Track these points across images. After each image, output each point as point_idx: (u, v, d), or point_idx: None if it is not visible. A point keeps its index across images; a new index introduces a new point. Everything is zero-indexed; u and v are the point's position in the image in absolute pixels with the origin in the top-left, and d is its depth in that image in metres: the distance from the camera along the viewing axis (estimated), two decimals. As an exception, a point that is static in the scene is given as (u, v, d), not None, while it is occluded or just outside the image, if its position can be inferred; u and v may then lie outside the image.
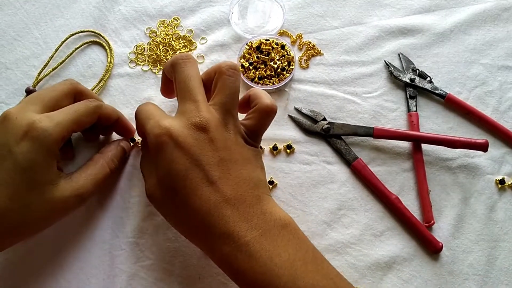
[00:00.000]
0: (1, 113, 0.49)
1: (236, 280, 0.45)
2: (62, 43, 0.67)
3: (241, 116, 0.53)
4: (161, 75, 0.56)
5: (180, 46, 0.68)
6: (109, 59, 0.66)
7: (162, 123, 0.47)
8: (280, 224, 0.46)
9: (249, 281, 0.43)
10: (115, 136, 0.62)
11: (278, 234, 0.45)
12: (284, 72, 0.65)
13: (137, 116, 0.53)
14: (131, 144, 0.61)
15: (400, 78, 0.66)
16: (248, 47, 0.66)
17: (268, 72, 0.65)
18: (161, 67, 0.67)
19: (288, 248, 0.44)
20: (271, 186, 0.60)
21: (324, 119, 0.64)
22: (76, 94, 0.54)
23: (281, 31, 0.69)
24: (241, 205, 0.45)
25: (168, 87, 0.57)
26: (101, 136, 0.62)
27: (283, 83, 0.64)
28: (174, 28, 0.69)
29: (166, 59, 0.67)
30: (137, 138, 0.61)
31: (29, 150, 0.46)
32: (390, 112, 0.65)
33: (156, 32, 0.69)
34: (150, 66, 0.67)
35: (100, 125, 0.57)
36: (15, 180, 0.46)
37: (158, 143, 0.46)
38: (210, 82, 0.51)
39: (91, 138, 0.61)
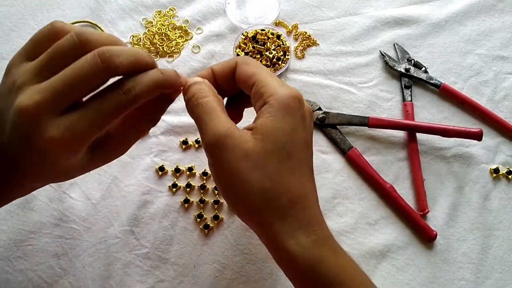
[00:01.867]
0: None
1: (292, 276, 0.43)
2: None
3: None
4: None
5: (176, 36, 0.68)
6: (105, 49, 0.66)
7: (293, 89, 0.43)
8: (326, 235, 0.43)
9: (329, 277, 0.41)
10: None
11: (326, 243, 0.42)
12: (280, 62, 0.65)
13: (248, 67, 0.44)
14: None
15: (395, 68, 0.66)
16: (243, 37, 0.67)
17: (264, 62, 0.65)
18: (158, 56, 0.67)
19: (334, 255, 0.42)
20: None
21: (320, 108, 0.64)
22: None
23: (277, 21, 0.70)
24: (316, 202, 0.44)
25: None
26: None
27: (278, 73, 0.64)
28: (170, 18, 0.70)
29: (163, 49, 0.67)
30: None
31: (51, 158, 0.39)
32: (385, 101, 0.65)
33: (152, 23, 0.69)
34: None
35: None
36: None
37: (292, 106, 0.42)
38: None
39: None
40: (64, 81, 0.37)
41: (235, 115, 0.50)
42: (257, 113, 0.43)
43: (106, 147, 0.43)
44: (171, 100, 0.45)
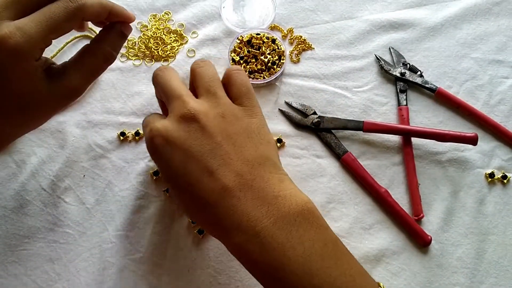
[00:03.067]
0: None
1: (250, 271, 0.43)
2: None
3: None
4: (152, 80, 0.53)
5: (171, 40, 0.68)
6: (100, 53, 0.66)
7: (154, 126, 0.46)
8: (296, 210, 0.42)
9: (262, 274, 0.42)
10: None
11: (294, 223, 0.41)
12: (275, 66, 0.65)
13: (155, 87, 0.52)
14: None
15: (390, 72, 0.66)
16: (239, 41, 0.67)
17: (259, 66, 0.65)
18: (153, 61, 0.67)
19: (304, 239, 0.41)
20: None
21: (315, 113, 0.64)
22: None
23: (272, 25, 0.70)
24: (248, 192, 0.42)
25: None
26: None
27: (273, 77, 0.64)
28: (165, 22, 0.69)
29: (158, 53, 0.67)
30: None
31: (3, 64, 0.42)
32: (380, 106, 0.65)
33: (147, 26, 0.69)
34: (142, 60, 0.67)
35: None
36: None
37: (153, 146, 0.45)
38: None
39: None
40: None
41: None
42: None
43: (64, 80, 0.46)
44: (124, 36, 0.51)
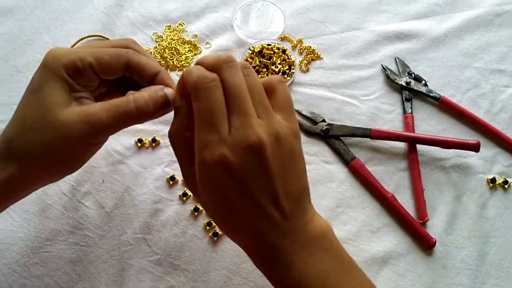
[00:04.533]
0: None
1: (272, 283, 0.45)
2: (72, 47, 0.70)
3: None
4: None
5: (185, 51, 0.70)
6: (117, 62, 0.69)
7: (220, 151, 0.40)
8: (319, 234, 0.44)
9: (284, 286, 0.43)
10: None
11: (317, 244, 0.43)
12: (285, 76, 0.67)
13: (195, 105, 0.42)
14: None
15: (396, 81, 0.68)
16: (250, 52, 0.69)
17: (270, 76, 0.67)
18: (169, 70, 0.70)
19: (325, 258, 0.43)
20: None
21: (324, 120, 0.66)
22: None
23: (282, 36, 0.72)
24: (288, 223, 0.42)
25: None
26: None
27: (284, 86, 0.67)
28: (179, 33, 0.72)
29: (173, 62, 0.70)
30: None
31: (38, 73, 0.45)
32: (386, 114, 0.68)
33: (162, 37, 0.72)
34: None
35: (133, 83, 0.49)
36: (26, 101, 0.46)
37: (210, 172, 0.41)
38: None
39: None
40: None
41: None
42: None
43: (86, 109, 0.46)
44: (167, 103, 0.46)
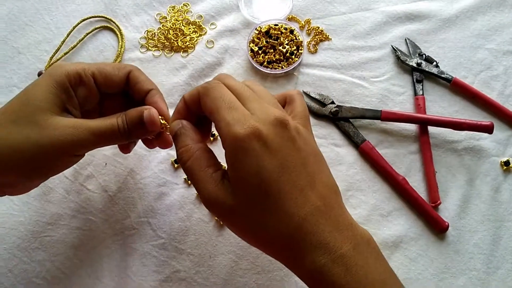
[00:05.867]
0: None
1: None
2: (74, 28, 0.68)
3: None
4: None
5: (190, 32, 0.69)
6: (120, 44, 0.67)
7: (253, 123, 0.40)
8: (365, 239, 0.42)
9: None
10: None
11: (366, 250, 0.41)
12: (293, 57, 0.66)
13: (207, 100, 0.43)
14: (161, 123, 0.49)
15: (407, 62, 0.67)
16: (257, 32, 0.67)
17: (277, 57, 0.66)
18: (173, 51, 0.68)
19: (378, 266, 0.41)
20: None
21: (332, 102, 0.65)
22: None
23: (290, 17, 0.70)
24: (332, 214, 0.41)
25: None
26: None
27: (291, 67, 0.65)
28: (184, 13, 0.70)
29: (177, 44, 0.68)
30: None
31: (40, 78, 0.47)
32: (397, 95, 0.66)
33: (166, 18, 0.70)
34: (161, 51, 0.68)
35: (132, 98, 0.52)
36: (17, 97, 0.47)
37: (244, 146, 0.39)
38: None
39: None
40: None
41: (207, 130, 0.51)
42: None
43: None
44: (144, 127, 0.48)
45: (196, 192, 0.60)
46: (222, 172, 0.43)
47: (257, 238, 0.42)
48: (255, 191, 0.40)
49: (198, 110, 0.45)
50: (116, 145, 0.61)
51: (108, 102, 0.52)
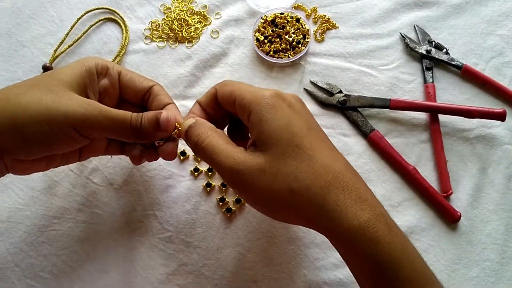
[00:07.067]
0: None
1: (367, 256, 0.39)
2: (78, 20, 0.68)
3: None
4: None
5: (194, 22, 0.68)
6: (124, 35, 0.67)
7: (271, 90, 0.44)
8: (381, 210, 0.41)
9: (386, 256, 0.38)
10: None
11: (390, 219, 0.41)
12: (300, 45, 0.65)
13: (226, 88, 0.47)
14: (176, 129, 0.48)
15: (416, 50, 0.65)
16: (263, 21, 0.66)
17: (284, 46, 0.65)
18: (177, 42, 0.67)
19: (399, 231, 0.41)
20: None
21: (340, 91, 0.64)
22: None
23: (296, 5, 0.69)
24: (358, 177, 0.43)
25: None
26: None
27: (298, 56, 0.64)
28: (188, 4, 0.69)
29: (182, 34, 0.67)
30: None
31: (71, 63, 0.49)
32: (406, 84, 0.65)
33: (170, 8, 0.69)
34: (166, 42, 0.67)
35: (131, 100, 0.52)
36: (45, 75, 0.47)
37: (274, 103, 0.43)
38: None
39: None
40: None
41: (241, 137, 0.52)
42: (248, 126, 0.44)
43: None
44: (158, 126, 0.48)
45: (202, 184, 0.59)
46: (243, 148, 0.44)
47: (287, 197, 0.41)
48: (287, 143, 0.41)
49: (214, 111, 0.48)
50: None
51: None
